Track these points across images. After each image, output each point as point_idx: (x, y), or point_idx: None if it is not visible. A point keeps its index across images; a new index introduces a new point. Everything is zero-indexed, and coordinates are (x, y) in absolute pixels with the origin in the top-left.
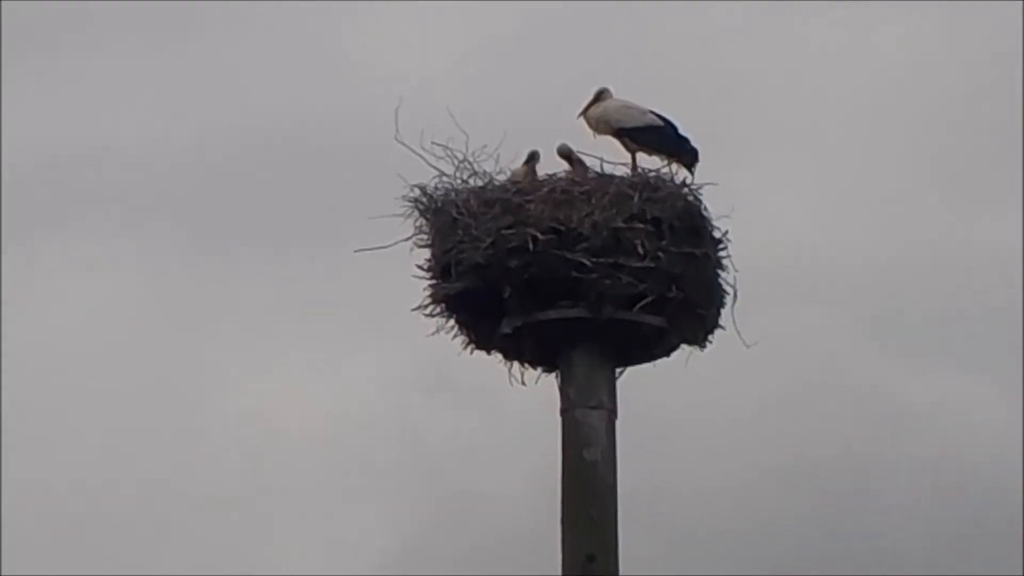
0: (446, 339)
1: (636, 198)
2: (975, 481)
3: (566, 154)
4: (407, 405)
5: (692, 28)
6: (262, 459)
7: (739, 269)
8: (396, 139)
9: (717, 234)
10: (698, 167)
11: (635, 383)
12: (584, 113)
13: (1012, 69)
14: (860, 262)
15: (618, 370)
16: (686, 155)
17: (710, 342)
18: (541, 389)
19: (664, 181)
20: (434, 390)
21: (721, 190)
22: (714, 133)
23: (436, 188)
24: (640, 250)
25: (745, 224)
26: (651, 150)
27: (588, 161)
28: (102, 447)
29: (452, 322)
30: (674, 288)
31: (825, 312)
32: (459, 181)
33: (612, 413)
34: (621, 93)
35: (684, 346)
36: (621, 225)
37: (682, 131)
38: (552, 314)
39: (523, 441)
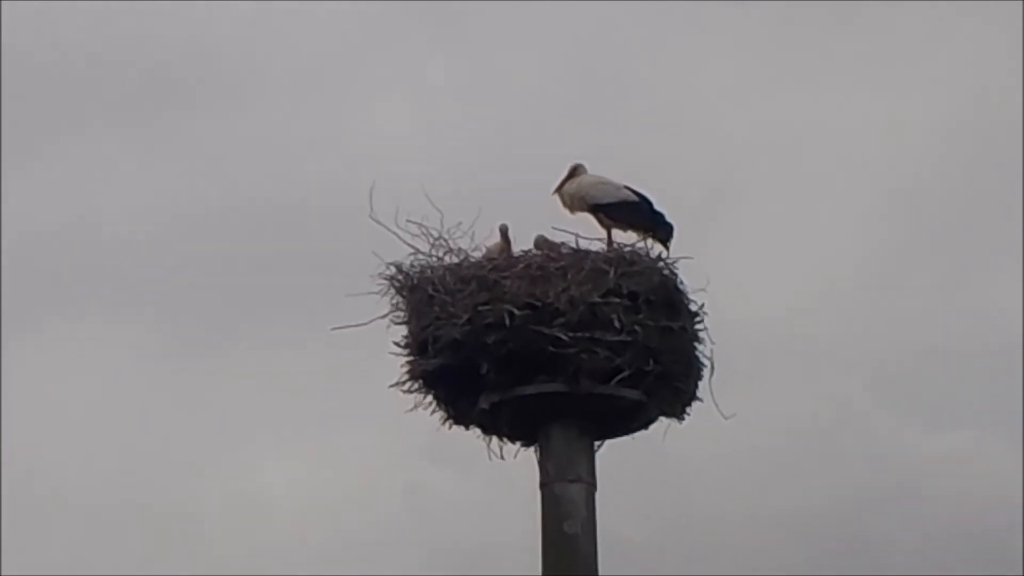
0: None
1: (612, 273)
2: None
3: (540, 245)
4: (396, 477)
5: (667, 102)
6: (262, 532)
7: (716, 342)
8: (371, 217)
9: (693, 307)
10: (673, 241)
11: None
12: (559, 190)
13: (997, 139)
14: (843, 328)
15: (597, 443)
16: (661, 230)
17: (688, 414)
18: (521, 463)
19: (640, 256)
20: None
21: (697, 264)
22: (689, 206)
23: (412, 266)
24: (617, 324)
25: (722, 296)
26: (626, 226)
27: (563, 237)
28: (99, 526)
29: (430, 398)
30: (651, 362)
31: (810, 376)
32: (435, 258)
33: (592, 486)
34: (595, 166)
35: (662, 419)
36: (598, 300)
37: (657, 206)
38: (530, 389)
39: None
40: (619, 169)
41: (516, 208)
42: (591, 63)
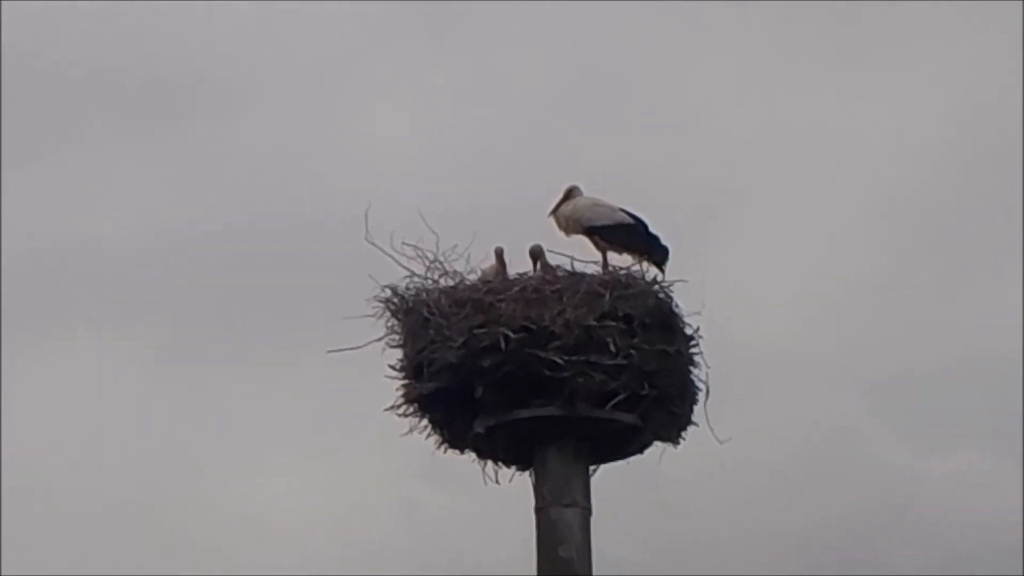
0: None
1: (607, 296)
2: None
3: (535, 255)
4: (392, 496)
5: (667, 102)
6: (259, 548)
7: (711, 365)
8: (366, 240)
9: (689, 331)
10: (672, 250)
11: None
12: (554, 212)
13: (997, 139)
14: (840, 346)
15: (592, 468)
16: (656, 253)
17: (683, 439)
18: (517, 485)
19: (635, 279)
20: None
21: (692, 285)
22: (688, 207)
23: (407, 288)
24: (612, 348)
25: (719, 303)
26: (621, 248)
27: (559, 260)
28: (97, 535)
29: (425, 422)
30: (647, 385)
31: (807, 395)
32: (430, 281)
33: (587, 511)
34: (595, 168)
35: (657, 443)
36: (593, 323)
37: (652, 229)
38: (525, 413)
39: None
40: (619, 170)
41: (511, 227)
42: (591, 64)
